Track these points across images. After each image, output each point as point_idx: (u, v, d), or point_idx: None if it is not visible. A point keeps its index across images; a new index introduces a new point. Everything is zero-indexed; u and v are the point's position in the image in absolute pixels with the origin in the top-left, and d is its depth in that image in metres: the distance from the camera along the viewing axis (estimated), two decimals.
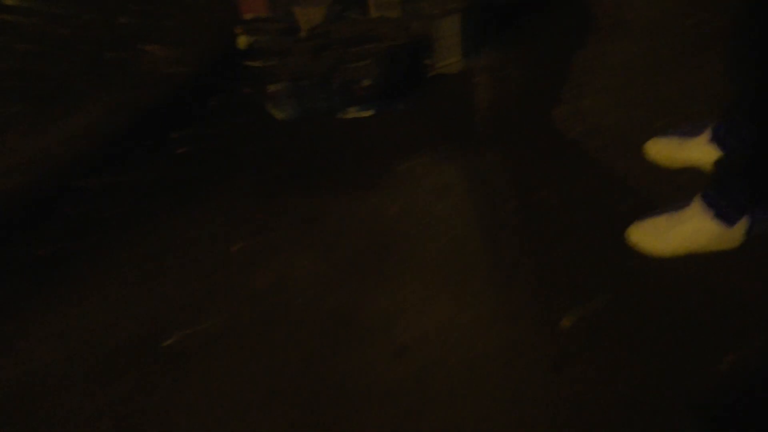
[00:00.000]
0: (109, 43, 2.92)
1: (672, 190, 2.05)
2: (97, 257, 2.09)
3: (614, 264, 1.88)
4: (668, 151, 2.12)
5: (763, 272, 1.82)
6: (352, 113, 2.47)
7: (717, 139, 1.98)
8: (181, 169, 2.41)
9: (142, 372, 1.74)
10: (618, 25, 2.80)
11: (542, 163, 2.23)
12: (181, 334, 1.82)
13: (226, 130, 2.56)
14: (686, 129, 2.14)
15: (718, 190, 1.78)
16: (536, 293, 1.83)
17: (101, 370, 1.75)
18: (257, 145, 2.47)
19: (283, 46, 2.62)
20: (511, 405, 1.58)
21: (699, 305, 1.75)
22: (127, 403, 1.66)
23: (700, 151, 2.02)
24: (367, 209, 2.14)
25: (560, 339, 1.70)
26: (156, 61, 2.81)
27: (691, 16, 2.78)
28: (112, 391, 1.69)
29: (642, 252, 1.87)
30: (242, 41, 2.77)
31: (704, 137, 2.02)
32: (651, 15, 2.84)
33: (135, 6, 3.06)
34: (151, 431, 1.61)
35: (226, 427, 1.61)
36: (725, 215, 1.77)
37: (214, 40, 2.88)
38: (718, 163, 1.85)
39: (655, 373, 1.61)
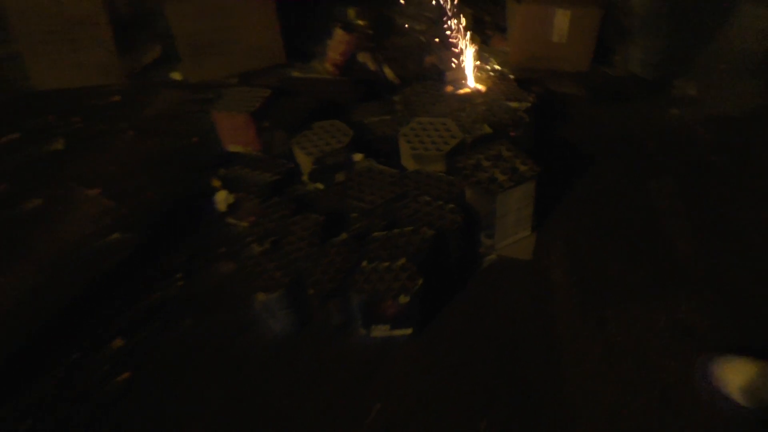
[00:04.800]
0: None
1: None
2: None
3: None
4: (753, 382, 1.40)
5: None
6: (381, 331, 1.66)
7: None
8: (111, 414, 1.57)
9: None
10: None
11: None
12: None
13: (194, 340, 1.73)
14: None
15: None
16: None
17: None
18: (232, 376, 1.63)
19: (280, 218, 1.81)
20: None
21: None
22: None
23: None
24: None
25: None
26: (96, 209, 1.98)
27: None
28: None
29: None
30: (221, 199, 1.95)
31: None
32: None
33: (72, 144, 2.23)
34: None
35: None
36: None
37: (177, 188, 2.06)
38: None
39: None
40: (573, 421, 1.44)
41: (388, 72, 2.52)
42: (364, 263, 1.62)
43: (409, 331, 1.66)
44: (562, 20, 2.46)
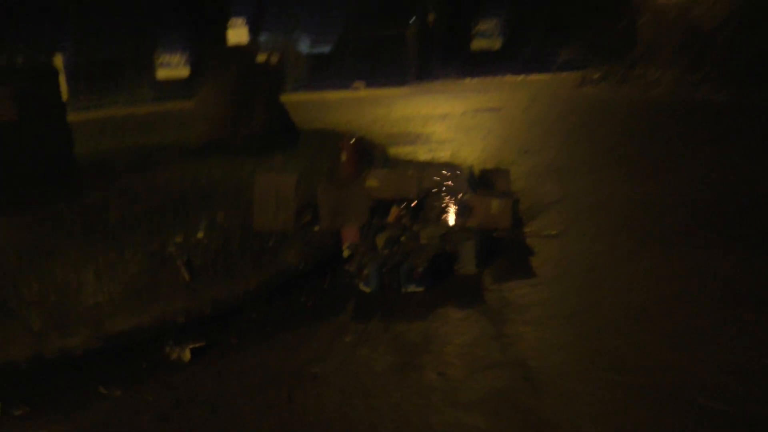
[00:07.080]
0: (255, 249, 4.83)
1: None
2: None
3: None
4: None
5: None
6: (411, 288, 4.17)
7: None
8: (303, 314, 4.05)
9: None
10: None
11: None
12: None
13: (332, 298, 4.25)
14: None
15: None
16: None
17: None
18: (352, 307, 4.13)
19: (371, 256, 4.48)
20: None
21: None
22: None
23: None
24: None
25: None
26: (286, 259, 4.66)
27: None
28: None
29: None
30: (346, 252, 4.67)
31: None
32: None
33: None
34: None
35: None
36: None
37: (328, 250, 4.81)
38: None
39: None
40: None
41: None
42: (406, 261, 4.23)
43: (422, 289, 4.16)
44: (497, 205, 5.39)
